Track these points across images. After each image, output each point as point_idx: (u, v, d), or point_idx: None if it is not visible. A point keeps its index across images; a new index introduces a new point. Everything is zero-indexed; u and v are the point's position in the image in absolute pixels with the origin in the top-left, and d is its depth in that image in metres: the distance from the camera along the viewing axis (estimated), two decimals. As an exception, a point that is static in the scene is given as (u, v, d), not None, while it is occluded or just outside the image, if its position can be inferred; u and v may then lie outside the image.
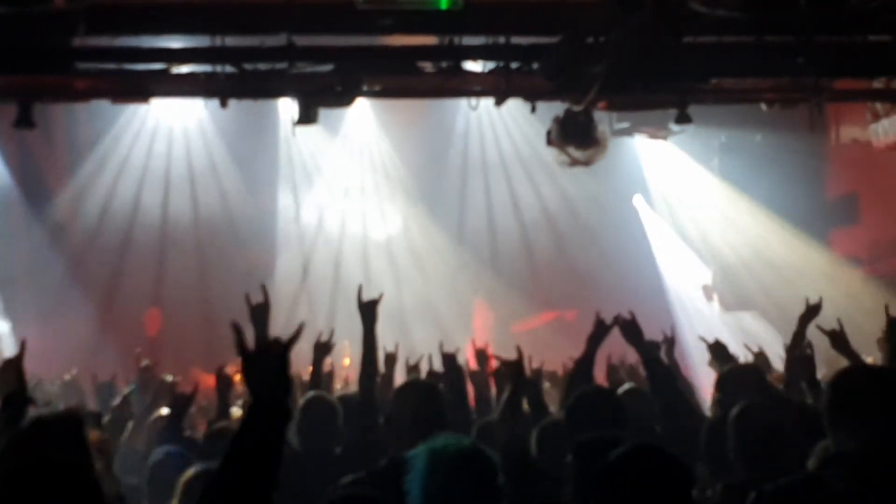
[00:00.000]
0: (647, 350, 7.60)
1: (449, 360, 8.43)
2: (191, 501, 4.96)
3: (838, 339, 8.09)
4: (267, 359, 3.44)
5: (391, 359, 9.77)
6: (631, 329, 7.71)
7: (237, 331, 3.51)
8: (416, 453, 4.53)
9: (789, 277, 19.03)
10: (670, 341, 8.74)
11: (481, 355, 10.34)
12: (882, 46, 9.47)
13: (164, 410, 9.26)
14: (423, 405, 5.98)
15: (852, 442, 4.15)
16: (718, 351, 8.54)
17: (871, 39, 9.42)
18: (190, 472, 5.27)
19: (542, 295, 20.75)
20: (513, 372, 6.71)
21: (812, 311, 8.69)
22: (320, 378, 8.77)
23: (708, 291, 20.76)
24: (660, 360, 7.55)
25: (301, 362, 12.10)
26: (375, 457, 6.29)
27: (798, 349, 8.35)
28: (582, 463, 4.77)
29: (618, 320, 7.75)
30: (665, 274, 21.57)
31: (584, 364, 7.65)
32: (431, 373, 8.99)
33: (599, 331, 7.76)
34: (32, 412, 5.37)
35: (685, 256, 21.38)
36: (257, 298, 7.68)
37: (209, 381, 11.72)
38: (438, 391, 6.41)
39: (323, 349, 8.79)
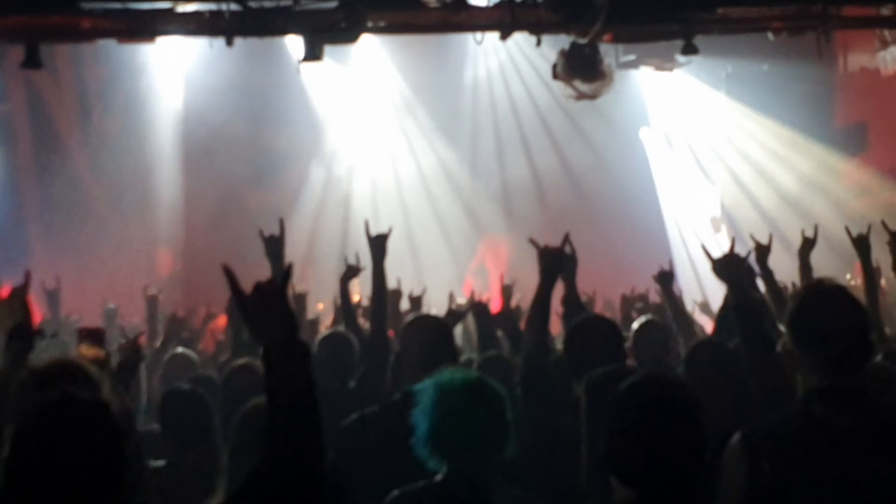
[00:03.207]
0: (675, 301, 7.63)
1: (480, 307, 8.45)
2: (248, 436, 4.97)
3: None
4: (264, 300, 3.32)
5: (395, 295, 9.82)
6: (666, 279, 7.78)
7: (230, 275, 3.39)
8: (422, 387, 4.59)
9: (798, 207, 19.05)
10: (668, 275, 8.67)
11: (507, 291, 10.44)
12: (891, -28, 9.42)
13: (179, 349, 9.34)
14: (432, 340, 5.98)
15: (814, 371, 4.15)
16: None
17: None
18: (248, 407, 5.20)
19: (550, 229, 20.71)
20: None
21: (808, 243, 8.80)
22: (349, 305, 8.79)
23: (716, 223, 20.76)
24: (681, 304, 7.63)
25: (312, 300, 12.29)
26: (388, 391, 6.35)
27: (807, 280, 8.42)
28: (593, 395, 4.81)
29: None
30: (667, 208, 21.52)
31: (571, 297, 7.44)
32: (451, 311, 8.99)
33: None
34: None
35: (692, 189, 21.36)
36: (272, 232, 7.81)
37: (220, 321, 11.80)
38: (447, 325, 6.41)
39: (350, 273, 8.83)
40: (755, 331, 5.94)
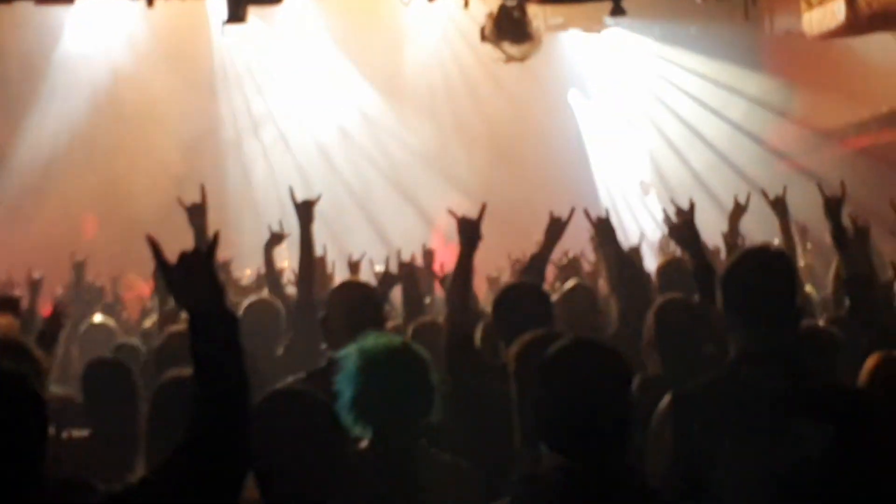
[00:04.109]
0: (620, 249, 7.64)
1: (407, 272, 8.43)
2: (164, 407, 4.90)
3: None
4: (189, 269, 3.30)
5: (321, 262, 9.73)
6: (605, 227, 7.73)
7: (154, 245, 3.35)
8: (346, 353, 4.55)
9: (725, 171, 19.17)
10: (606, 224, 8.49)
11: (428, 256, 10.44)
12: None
13: (98, 318, 9.21)
14: (357, 305, 5.95)
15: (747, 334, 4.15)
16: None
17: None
18: (164, 378, 5.15)
19: (482, 193, 20.64)
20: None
21: (739, 208, 8.89)
22: (274, 272, 8.74)
23: (645, 186, 20.85)
24: (631, 260, 7.58)
25: (238, 267, 12.19)
26: (315, 358, 6.29)
27: (734, 246, 8.48)
28: (522, 360, 4.78)
29: (563, 220, 7.78)
30: (597, 171, 21.56)
31: (539, 260, 7.61)
32: (387, 274, 8.90)
33: (555, 229, 7.68)
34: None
35: (621, 152, 21.41)
36: (194, 200, 7.70)
37: (145, 288, 11.67)
38: (373, 291, 6.38)
39: (274, 241, 8.78)
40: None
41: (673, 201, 7.71)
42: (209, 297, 3.26)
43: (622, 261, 7.49)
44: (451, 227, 6.13)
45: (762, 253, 4.42)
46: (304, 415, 4.04)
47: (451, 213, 6.34)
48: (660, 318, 5.88)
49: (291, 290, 8.63)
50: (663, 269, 7.74)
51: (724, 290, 4.24)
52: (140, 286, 11.92)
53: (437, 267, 10.25)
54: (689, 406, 4.10)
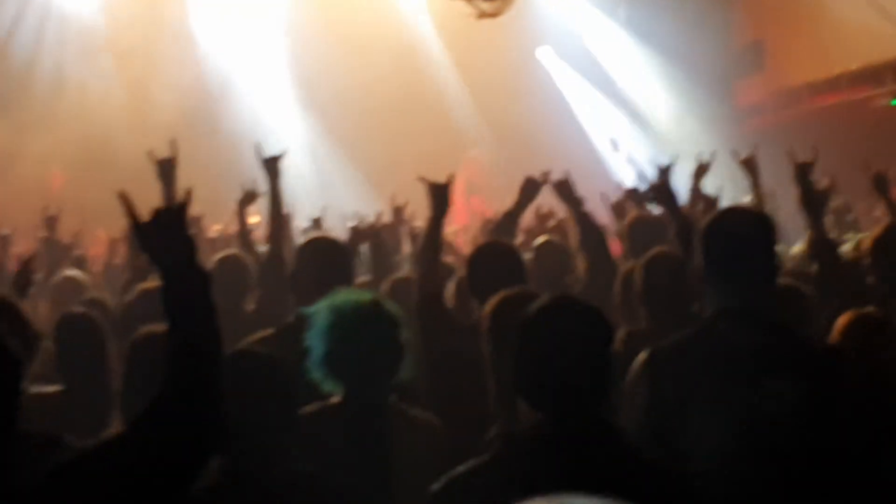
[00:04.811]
0: (578, 206, 7.63)
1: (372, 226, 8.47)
2: (139, 363, 4.89)
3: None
4: (162, 226, 3.29)
5: (288, 218, 9.71)
6: (564, 187, 7.76)
7: (126, 201, 3.33)
8: (316, 309, 4.55)
9: (692, 128, 19.22)
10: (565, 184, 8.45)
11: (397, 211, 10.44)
12: None
13: (69, 272, 9.15)
14: (327, 261, 5.97)
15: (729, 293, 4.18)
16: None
17: None
18: (138, 334, 5.13)
19: (459, 151, 20.60)
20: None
21: (702, 169, 8.93)
22: (246, 231, 8.76)
23: (614, 143, 20.88)
24: (590, 215, 7.57)
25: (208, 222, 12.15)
26: (285, 314, 6.29)
27: (696, 204, 8.52)
28: (498, 318, 4.78)
29: (546, 178, 7.84)
30: (569, 126, 21.58)
31: (510, 218, 7.70)
32: (356, 230, 8.85)
33: (529, 188, 7.80)
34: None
35: (590, 108, 21.44)
36: (164, 154, 7.66)
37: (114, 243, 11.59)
38: (342, 246, 6.39)
39: (247, 199, 8.80)
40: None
41: (651, 161, 7.73)
42: (182, 254, 3.25)
43: (584, 220, 7.51)
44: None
45: (743, 210, 4.51)
46: (261, 376, 4.03)
47: (423, 179, 6.41)
48: (648, 272, 5.90)
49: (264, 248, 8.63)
50: (633, 225, 7.74)
51: (704, 245, 4.27)
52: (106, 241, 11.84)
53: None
54: (663, 363, 4.14)
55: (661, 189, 6.57)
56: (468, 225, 10.42)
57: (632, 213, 8.38)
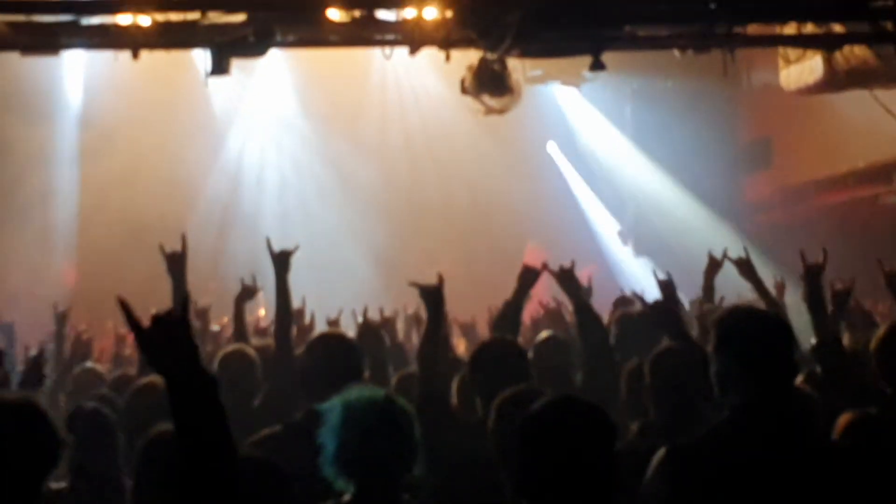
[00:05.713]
0: (580, 298, 7.64)
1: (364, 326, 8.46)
2: (151, 462, 4.89)
3: (744, 266, 8.42)
4: (163, 334, 3.22)
5: (298, 314, 9.67)
6: (567, 277, 7.75)
7: (125, 307, 3.28)
8: (329, 406, 4.52)
9: (698, 225, 19.25)
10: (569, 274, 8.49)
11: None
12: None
13: (88, 363, 9.16)
14: (336, 357, 5.96)
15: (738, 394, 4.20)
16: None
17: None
18: (150, 434, 5.10)
19: (460, 245, 20.67)
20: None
21: (715, 264, 8.92)
22: (243, 326, 8.68)
23: (623, 236, 20.94)
24: (591, 307, 7.55)
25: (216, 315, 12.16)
26: (292, 409, 6.28)
27: (708, 301, 8.51)
28: (503, 417, 4.78)
29: (544, 267, 7.84)
30: (579, 221, 21.66)
31: (511, 309, 7.68)
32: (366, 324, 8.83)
33: (528, 277, 7.78)
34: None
35: (600, 201, 21.53)
36: (174, 248, 7.68)
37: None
38: (352, 343, 6.38)
39: (245, 294, 8.75)
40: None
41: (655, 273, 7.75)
42: (184, 362, 3.20)
43: (585, 311, 7.49)
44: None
45: (760, 310, 4.55)
46: (261, 484, 4.03)
47: (414, 284, 6.42)
48: (657, 367, 5.90)
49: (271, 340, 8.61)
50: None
51: (721, 346, 4.28)
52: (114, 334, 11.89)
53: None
54: (685, 460, 4.11)
55: (664, 311, 6.61)
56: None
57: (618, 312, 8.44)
